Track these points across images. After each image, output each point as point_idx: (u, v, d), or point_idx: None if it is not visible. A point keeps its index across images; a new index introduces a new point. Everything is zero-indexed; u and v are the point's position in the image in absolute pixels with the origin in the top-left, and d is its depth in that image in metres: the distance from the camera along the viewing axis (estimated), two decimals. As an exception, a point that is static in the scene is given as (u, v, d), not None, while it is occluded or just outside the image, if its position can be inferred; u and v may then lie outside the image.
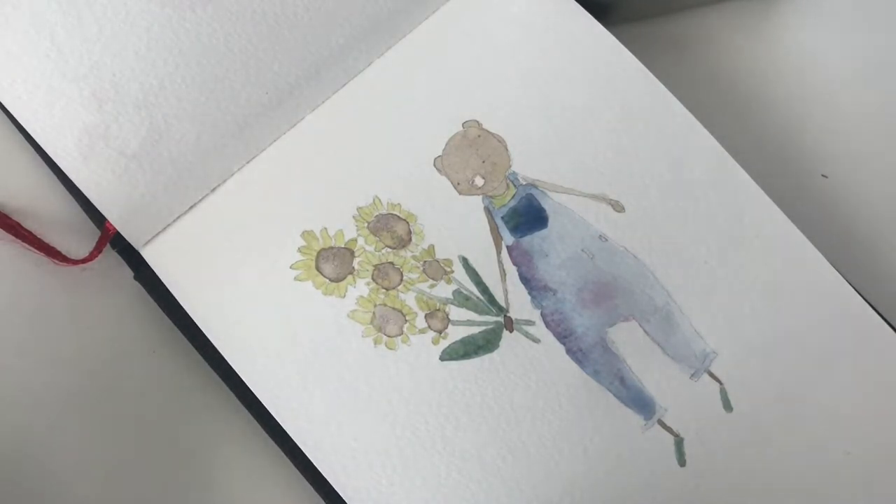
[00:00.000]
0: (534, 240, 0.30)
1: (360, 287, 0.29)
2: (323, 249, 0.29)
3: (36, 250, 0.30)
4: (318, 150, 0.30)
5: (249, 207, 0.29)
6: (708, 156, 0.31)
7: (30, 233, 0.30)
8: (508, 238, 0.30)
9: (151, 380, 0.30)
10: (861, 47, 0.37)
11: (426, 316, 0.29)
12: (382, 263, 0.29)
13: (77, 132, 0.28)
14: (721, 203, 0.30)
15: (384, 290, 0.29)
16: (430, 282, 0.29)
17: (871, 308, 0.30)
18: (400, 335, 0.29)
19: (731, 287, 0.30)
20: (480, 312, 0.29)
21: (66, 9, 0.28)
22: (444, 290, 0.29)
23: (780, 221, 0.30)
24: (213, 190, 0.29)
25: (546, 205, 0.30)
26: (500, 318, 0.29)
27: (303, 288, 0.29)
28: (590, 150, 0.31)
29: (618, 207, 0.30)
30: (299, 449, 0.28)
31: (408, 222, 0.30)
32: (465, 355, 0.29)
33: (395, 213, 0.30)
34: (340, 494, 0.28)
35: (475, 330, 0.29)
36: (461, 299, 0.29)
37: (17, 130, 0.29)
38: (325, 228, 0.29)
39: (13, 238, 0.30)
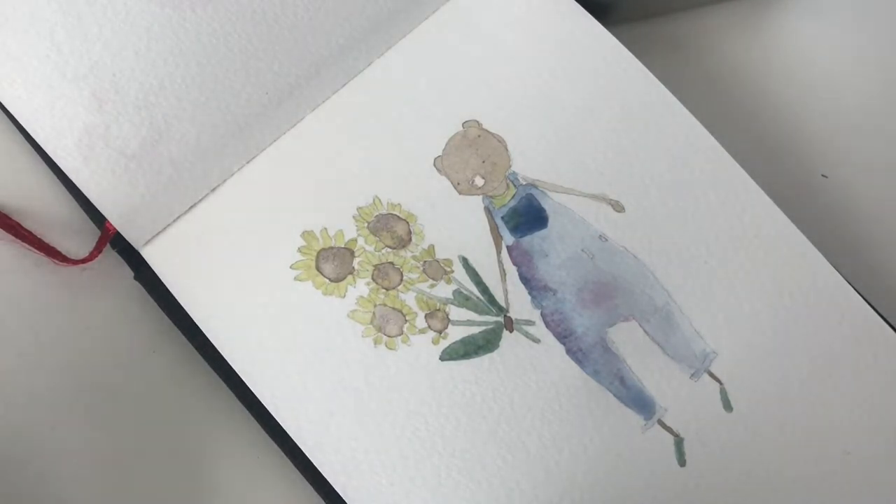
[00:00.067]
0: (534, 240, 0.30)
1: (360, 287, 0.29)
2: (323, 249, 0.29)
3: (36, 250, 0.30)
4: (318, 149, 0.30)
5: (249, 207, 0.29)
6: (708, 156, 0.31)
7: (30, 233, 0.30)
8: (508, 238, 0.30)
9: (151, 380, 0.30)
10: (861, 47, 0.37)
11: (426, 316, 0.29)
12: (382, 263, 0.29)
13: (77, 132, 0.28)
14: (721, 203, 0.30)
15: (384, 290, 0.29)
16: (430, 282, 0.29)
17: (871, 308, 0.30)
18: (400, 335, 0.29)
19: (731, 287, 0.30)
20: (480, 312, 0.29)
21: (66, 9, 0.28)
22: (444, 290, 0.29)
23: (780, 221, 0.30)
24: (213, 190, 0.29)
25: (546, 205, 0.30)
26: (500, 318, 0.29)
27: (303, 288, 0.29)
28: (590, 150, 0.31)
29: (618, 207, 0.30)
30: (299, 449, 0.28)
31: (408, 222, 0.30)
32: (465, 355, 0.29)
33: (395, 213, 0.30)
34: (340, 494, 0.28)
35: (475, 330, 0.29)
36: (461, 299, 0.29)
37: (17, 130, 0.29)
38: (325, 228, 0.29)
39: (13, 238, 0.30)
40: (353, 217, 0.30)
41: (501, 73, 0.31)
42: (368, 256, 0.29)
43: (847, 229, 0.35)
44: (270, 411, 0.28)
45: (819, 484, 0.29)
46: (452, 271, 0.29)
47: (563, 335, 0.29)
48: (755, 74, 0.36)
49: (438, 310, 0.29)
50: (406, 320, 0.29)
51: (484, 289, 0.29)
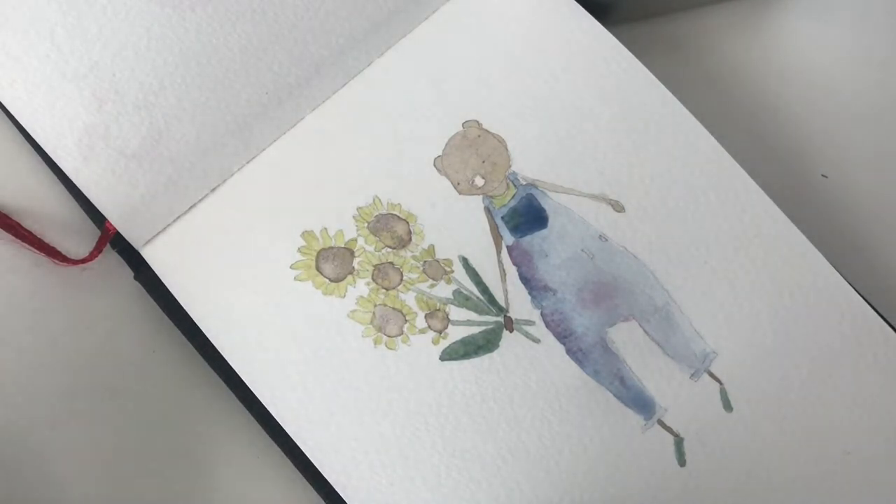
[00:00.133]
0: (534, 240, 0.30)
1: (360, 287, 0.29)
2: (323, 249, 0.29)
3: (36, 250, 0.30)
4: (318, 150, 0.30)
5: (249, 207, 0.29)
6: (708, 156, 0.31)
7: (30, 233, 0.30)
8: (508, 238, 0.30)
9: (151, 380, 0.30)
10: (861, 47, 0.37)
11: (426, 316, 0.29)
12: (382, 263, 0.29)
13: (77, 132, 0.28)
14: (721, 203, 0.30)
15: (384, 290, 0.29)
16: (430, 282, 0.29)
17: (871, 308, 0.30)
18: (400, 335, 0.29)
19: (731, 287, 0.30)
20: (480, 312, 0.29)
21: (66, 9, 0.28)
22: (444, 290, 0.29)
23: (780, 221, 0.30)
24: (213, 190, 0.29)
25: (546, 205, 0.30)
26: (500, 318, 0.29)
27: (303, 288, 0.29)
28: (590, 150, 0.31)
29: (618, 207, 0.30)
30: (299, 449, 0.28)
31: (408, 222, 0.30)
32: (465, 355, 0.29)
33: (395, 213, 0.30)
34: (340, 494, 0.28)
35: (475, 330, 0.29)
36: (461, 299, 0.29)
37: (17, 130, 0.29)
38: (325, 228, 0.29)
39: (13, 238, 0.30)
40: (353, 217, 0.30)
41: (501, 73, 0.31)
42: (368, 256, 0.29)
43: (847, 229, 0.35)
44: (270, 411, 0.28)
45: (819, 484, 0.29)
46: (452, 271, 0.29)
47: (563, 335, 0.29)
48: (755, 74, 0.36)
49: (438, 310, 0.29)
50: (406, 320, 0.29)
51: (484, 289, 0.29)
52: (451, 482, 0.28)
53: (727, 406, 0.29)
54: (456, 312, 0.29)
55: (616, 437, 0.29)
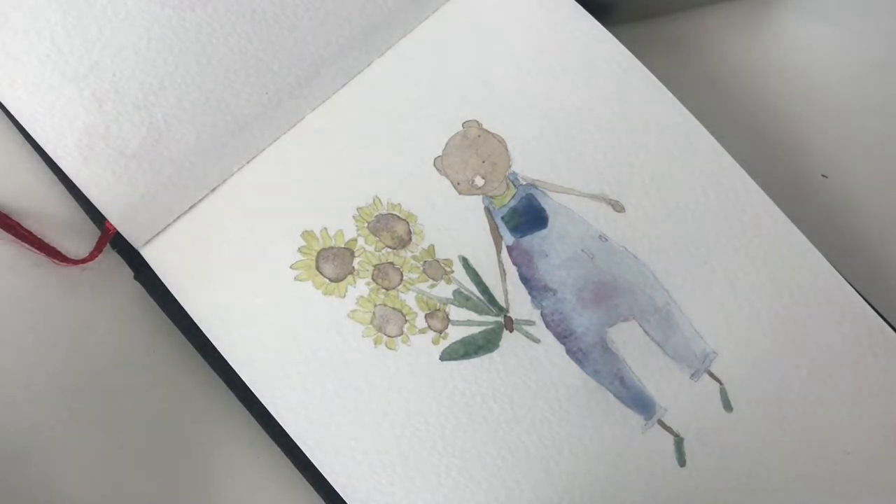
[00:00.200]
0: (534, 240, 0.30)
1: (360, 287, 0.29)
2: (323, 249, 0.29)
3: (36, 250, 0.30)
4: (318, 150, 0.30)
5: (249, 207, 0.29)
6: (708, 156, 0.31)
7: (30, 233, 0.30)
8: (508, 238, 0.30)
9: (151, 380, 0.30)
10: (861, 47, 0.37)
11: (426, 316, 0.29)
12: (382, 263, 0.29)
13: (77, 132, 0.28)
14: (721, 203, 0.30)
15: (384, 290, 0.29)
16: (430, 282, 0.29)
17: (871, 308, 0.30)
18: (400, 335, 0.29)
19: (731, 287, 0.30)
20: (480, 312, 0.29)
21: (66, 9, 0.28)
22: (444, 290, 0.29)
23: (780, 221, 0.30)
24: (213, 190, 0.29)
25: (546, 205, 0.30)
26: (500, 318, 0.29)
27: (303, 288, 0.29)
28: (590, 150, 0.31)
29: (618, 207, 0.30)
30: (299, 449, 0.28)
31: (408, 222, 0.30)
32: (465, 355, 0.29)
33: (395, 213, 0.30)
34: (340, 494, 0.28)
35: (475, 330, 0.29)
36: (461, 299, 0.29)
37: (17, 130, 0.29)
38: (325, 228, 0.29)
39: (13, 238, 0.30)
40: (353, 217, 0.30)
41: (502, 73, 0.31)
42: (368, 256, 0.29)
43: (847, 229, 0.35)
44: (270, 411, 0.28)
45: (819, 484, 0.29)
46: (452, 271, 0.29)
47: (563, 335, 0.29)
48: (755, 74, 0.36)
49: (438, 310, 0.29)
50: (406, 320, 0.29)
51: (484, 289, 0.29)
52: (451, 482, 0.28)
53: (727, 406, 0.29)
54: (456, 312, 0.29)
55: (616, 437, 0.29)
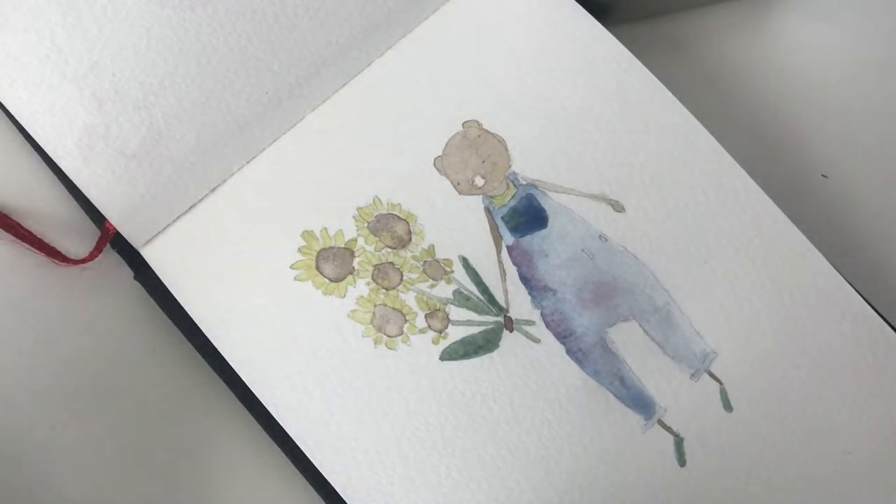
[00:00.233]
0: (534, 240, 0.30)
1: (360, 287, 0.29)
2: (323, 249, 0.29)
3: (36, 250, 0.30)
4: (318, 149, 0.30)
5: (249, 207, 0.29)
6: (708, 156, 0.31)
7: (30, 233, 0.30)
8: (508, 238, 0.30)
9: (151, 380, 0.30)
10: (861, 47, 0.37)
11: (426, 316, 0.29)
12: (382, 263, 0.29)
13: (77, 132, 0.28)
14: (721, 203, 0.30)
15: (384, 290, 0.29)
16: (430, 282, 0.29)
17: (871, 308, 0.30)
18: (400, 335, 0.29)
19: (731, 287, 0.30)
20: (480, 312, 0.29)
21: (66, 9, 0.28)
22: (444, 290, 0.29)
23: (780, 221, 0.30)
24: (213, 190, 0.29)
25: (546, 205, 0.30)
26: (500, 318, 0.29)
27: (303, 288, 0.29)
28: (590, 150, 0.31)
29: (618, 207, 0.30)
30: (299, 449, 0.28)
31: (408, 222, 0.30)
32: (465, 355, 0.29)
33: (395, 213, 0.30)
34: (340, 494, 0.28)
35: (475, 330, 0.29)
36: (461, 299, 0.29)
37: (17, 130, 0.29)
38: (325, 228, 0.29)
39: (13, 238, 0.30)
40: (353, 217, 0.30)
41: (502, 73, 0.31)
42: (368, 256, 0.29)
43: (847, 229, 0.35)
44: (270, 411, 0.28)
45: (819, 484, 0.29)
46: (452, 271, 0.29)
47: (563, 335, 0.29)
48: (755, 74, 0.36)
49: (438, 310, 0.29)
50: (406, 320, 0.29)
51: (484, 289, 0.29)
52: (451, 482, 0.28)
53: (727, 406, 0.29)
54: (456, 312, 0.29)
55: (616, 437, 0.29)
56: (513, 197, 0.30)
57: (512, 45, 0.31)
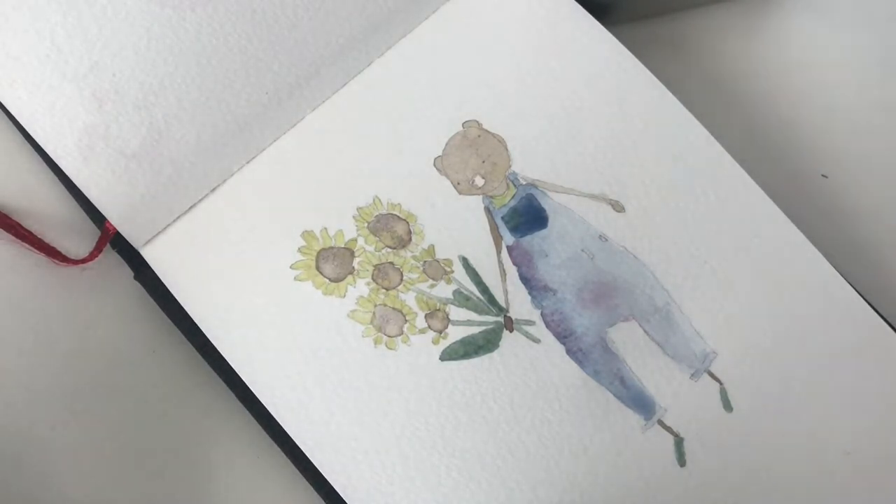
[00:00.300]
0: (534, 240, 0.30)
1: (360, 287, 0.29)
2: (323, 249, 0.29)
3: (36, 250, 0.30)
4: (318, 149, 0.30)
5: (249, 207, 0.29)
6: (708, 156, 0.31)
7: (30, 233, 0.30)
8: (508, 238, 0.30)
9: (151, 380, 0.30)
10: (861, 47, 0.37)
11: (426, 316, 0.29)
12: (382, 263, 0.29)
13: (77, 132, 0.28)
14: (721, 202, 0.30)
15: (384, 290, 0.29)
16: (430, 282, 0.29)
17: (870, 308, 0.30)
18: (400, 335, 0.29)
19: (731, 287, 0.30)
20: (480, 312, 0.29)
21: (66, 9, 0.28)
22: (444, 290, 0.29)
23: (780, 221, 0.30)
24: (213, 190, 0.29)
25: (546, 205, 0.30)
26: (500, 318, 0.29)
27: (303, 288, 0.29)
28: (590, 150, 0.31)
29: (618, 207, 0.30)
30: (299, 449, 0.28)
31: (408, 222, 0.30)
32: (465, 355, 0.29)
33: (395, 213, 0.30)
34: (340, 494, 0.28)
35: (475, 330, 0.29)
36: (461, 299, 0.29)
37: (17, 130, 0.29)
38: (325, 228, 0.29)
39: (13, 238, 0.30)
40: (353, 217, 0.30)
41: (501, 73, 0.31)
42: (368, 256, 0.29)
43: (847, 229, 0.35)
44: (270, 411, 0.28)
45: (819, 484, 0.29)
46: (452, 271, 0.29)
47: (563, 335, 0.29)
48: (755, 74, 0.36)
49: (438, 310, 0.29)
50: (406, 320, 0.29)
51: (484, 289, 0.29)
52: (451, 482, 0.28)
53: (727, 406, 0.29)
54: (456, 312, 0.29)
55: (616, 437, 0.29)
56: (513, 197, 0.30)
57: (512, 45, 0.31)
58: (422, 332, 0.29)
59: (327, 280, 0.29)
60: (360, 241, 0.29)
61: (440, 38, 0.31)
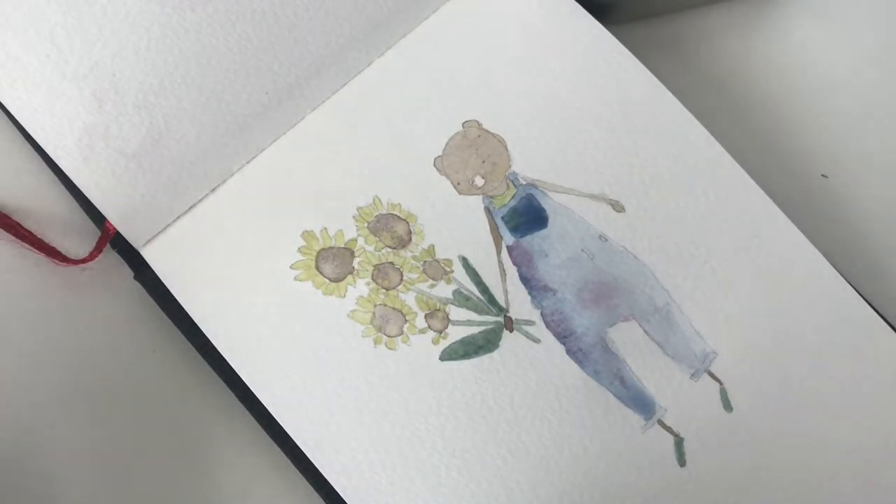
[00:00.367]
0: (534, 240, 0.30)
1: (360, 287, 0.29)
2: (323, 249, 0.29)
3: (36, 250, 0.30)
4: (318, 149, 0.30)
5: (249, 207, 0.29)
6: (708, 156, 0.31)
7: (30, 233, 0.30)
8: (508, 238, 0.30)
9: (151, 380, 0.30)
10: (861, 47, 0.37)
11: (426, 316, 0.29)
12: (382, 263, 0.29)
13: (77, 132, 0.28)
14: (721, 203, 0.30)
15: (384, 290, 0.29)
16: (430, 282, 0.29)
17: (871, 308, 0.30)
18: (400, 335, 0.29)
19: (731, 287, 0.30)
20: (480, 312, 0.29)
21: (66, 9, 0.28)
22: (444, 290, 0.29)
23: (780, 221, 0.30)
24: (213, 190, 0.29)
25: (546, 205, 0.30)
26: (500, 318, 0.29)
27: (303, 288, 0.29)
28: (590, 150, 0.31)
29: (618, 207, 0.30)
30: (299, 449, 0.28)
31: (408, 222, 0.30)
32: (465, 355, 0.29)
33: (395, 213, 0.30)
34: (340, 494, 0.28)
35: (475, 330, 0.29)
36: (461, 299, 0.29)
37: (17, 130, 0.29)
38: (325, 228, 0.29)
39: (13, 238, 0.30)
40: (353, 217, 0.30)
41: (501, 73, 0.31)
42: (368, 256, 0.29)
43: (847, 229, 0.35)
44: (270, 411, 0.28)
45: (819, 484, 0.29)
46: (452, 271, 0.29)
47: (563, 335, 0.29)
48: (755, 74, 0.36)
49: (438, 310, 0.29)
50: (406, 320, 0.29)
51: (484, 289, 0.29)
52: (451, 482, 0.28)
53: (727, 406, 0.29)
54: (456, 312, 0.29)
55: (616, 437, 0.29)
56: (513, 197, 0.30)
57: (512, 45, 0.31)
58: (422, 332, 0.29)
59: (327, 280, 0.29)
60: (360, 241, 0.29)
61: (440, 37, 0.31)
